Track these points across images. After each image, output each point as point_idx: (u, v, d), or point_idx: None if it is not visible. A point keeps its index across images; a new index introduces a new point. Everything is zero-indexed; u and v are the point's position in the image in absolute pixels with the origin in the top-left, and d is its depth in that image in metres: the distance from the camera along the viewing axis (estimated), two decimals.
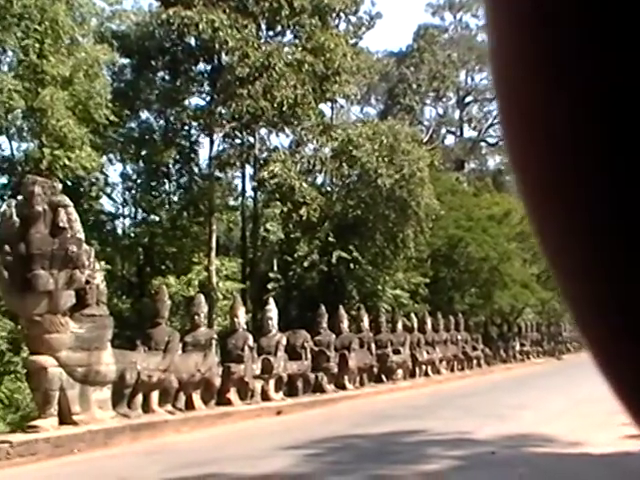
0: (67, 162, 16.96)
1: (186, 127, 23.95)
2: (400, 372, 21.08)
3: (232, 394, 14.12)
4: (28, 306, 10.66)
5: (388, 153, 21.96)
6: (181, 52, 22.18)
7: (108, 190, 24.41)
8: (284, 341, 16.24)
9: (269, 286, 21.81)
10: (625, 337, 0.30)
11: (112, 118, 18.56)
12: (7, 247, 10.57)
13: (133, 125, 23.79)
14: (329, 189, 24.11)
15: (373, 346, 20.05)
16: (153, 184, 24.37)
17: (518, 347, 33.40)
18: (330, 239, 22.11)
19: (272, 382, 15.32)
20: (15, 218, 10.68)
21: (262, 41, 22.13)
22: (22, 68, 17.16)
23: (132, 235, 24.41)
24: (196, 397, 13.39)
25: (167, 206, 24.69)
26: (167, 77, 23.38)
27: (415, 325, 23.16)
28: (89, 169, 18.14)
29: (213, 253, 21.77)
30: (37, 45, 16.77)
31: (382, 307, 22.70)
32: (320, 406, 15.58)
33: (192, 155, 24.39)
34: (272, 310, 16.57)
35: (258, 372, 15.00)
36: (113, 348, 11.80)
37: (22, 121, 18.34)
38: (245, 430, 12.35)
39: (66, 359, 10.79)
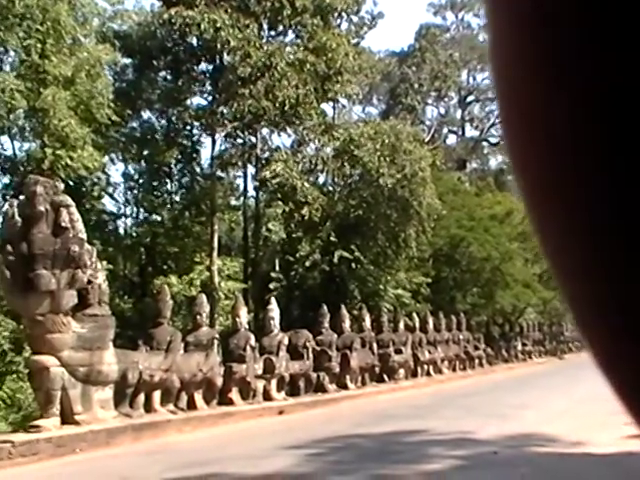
0: (69, 162, 16.98)
1: (188, 127, 23.98)
2: (402, 372, 21.08)
3: (234, 394, 14.13)
4: (30, 306, 10.67)
5: (390, 153, 21.96)
6: (183, 52, 22.20)
7: (110, 190, 24.49)
8: (286, 341, 16.24)
9: (271, 286, 21.81)
10: (625, 337, 0.30)
11: (114, 118, 18.59)
12: (9, 247, 10.58)
13: (135, 125, 23.84)
14: (331, 189, 24.11)
15: (375, 346, 20.05)
16: (155, 184, 24.40)
17: (520, 347, 33.39)
18: (332, 239, 22.11)
19: (274, 382, 15.32)
20: (17, 218, 10.69)
21: (264, 41, 22.14)
22: (24, 68, 17.18)
23: (134, 235, 24.43)
24: (198, 397, 13.40)
25: (169, 206, 24.71)
26: (169, 77, 23.41)
27: (417, 325, 23.15)
28: (91, 169, 18.17)
29: (215, 253, 21.79)
30: (39, 45, 16.79)
31: (384, 307, 22.70)
32: (322, 406, 15.58)
33: (194, 155, 24.41)
34: (274, 310, 16.57)
35: (260, 372, 15.01)
36: (115, 348, 11.80)
37: (24, 121, 18.37)
38: (247, 430, 12.35)
39: (68, 359, 10.80)
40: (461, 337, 25.92)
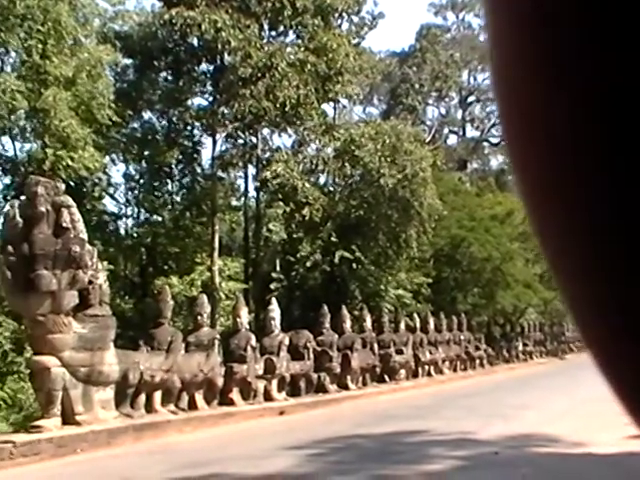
0: (70, 162, 16.99)
1: (189, 127, 23.99)
2: (403, 372, 21.07)
3: (235, 394, 14.13)
4: (31, 306, 10.67)
5: (391, 153, 21.97)
6: (184, 52, 22.21)
7: (111, 190, 24.52)
8: (287, 341, 16.24)
9: (272, 286, 21.82)
10: (625, 337, 0.30)
11: (115, 118, 18.59)
12: (10, 247, 10.59)
13: (136, 125, 23.85)
14: (332, 189, 24.12)
15: (376, 346, 20.04)
16: (156, 184, 24.41)
17: (521, 347, 33.37)
18: (333, 239, 22.11)
19: (275, 382, 15.32)
20: (18, 218, 10.70)
21: (264, 41, 22.15)
22: (25, 69, 17.19)
23: (135, 235, 24.44)
24: (199, 397, 13.40)
25: (170, 206, 24.72)
26: (170, 77, 23.42)
27: (418, 325, 23.14)
28: (92, 169, 18.18)
29: (216, 253, 21.80)
30: (40, 46, 16.80)
31: (385, 307, 22.70)
32: (323, 406, 15.58)
33: (195, 155, 24.42)
34: (275, 310, 16.57)
35: (261, 372, 15.01)
36: (116, 348, 11.81)
37: (25, 122, 18.37)
38: (248, 430, 12.35)
39: (69, 359, 10.80)
40: (462, 337, 25.91)
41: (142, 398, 12.15)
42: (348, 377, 17.96)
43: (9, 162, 19.77)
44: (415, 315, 23.62)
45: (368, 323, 20.21)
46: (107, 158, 21.95)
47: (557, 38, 0.29)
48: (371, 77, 28.96)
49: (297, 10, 21.76)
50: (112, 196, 24.66)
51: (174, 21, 20.44)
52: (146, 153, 23.34)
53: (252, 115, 21.22)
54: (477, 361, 27.10)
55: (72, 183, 17.15)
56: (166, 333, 13.37)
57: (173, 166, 24.29)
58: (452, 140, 48.88)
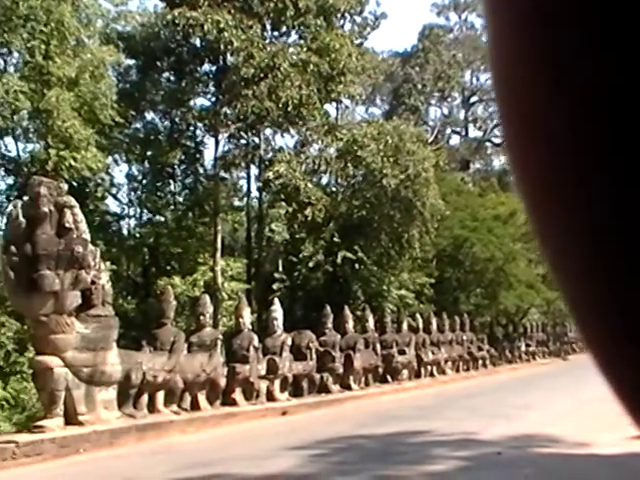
0: (73, 163, 17.01)
1: (191, 128, 24.01)
2: (405, 372, 21.05)
3: (237, 394, 14.13)
4: (34, 306, 10.68)
5: (393, 153, 21.96)
6: (186, 53, 22.21)
7: (114, 191, 24.56)
8: (289, 341, 16.23)
9: (274, 286, 21.82)
10: (625, 338, 0.30)
11: (117, 119, 18.62)
12: (13, 248, 10.60)
13: (138, 126, 23.87)
14: (334, 189, 24.13)
15: (378, 346, 20.02)
16: (158, 185, 24.43)
17: (524, 347, 33.32)
18: (335, 239, 22.11)
19: (277, 382, 15.32)
20: (21, 219, 10.71)
21: (267, 42, 22.16)
22: (28, 69, 17.22)
23: (137, 236, 24.46)
24: (201, 397, 13.41)
25: (172, 207, 24.75)
26: (172, 78, 23.43)
27: (420, 325, 23.13)
28: (95, 170, 18.20)
29: (218, 253, 21.81)
30: (43, 46, 16.83)
31: (387, 307, 22.69)
32: (325, 406, 15.58)
33: (197, 156, 24.45)
34: (277, 310, 16.56)
35: (263, 372, 15.00)
36: (119, 348, 11.81)
37: (28, 122, 18.41)
38: (250, 430, 12.35)
39: (72, 359, 10.81)
40: (464, 338, 25.88)
41: (145, 398, 12.15)
42: (351, 377, 17.95)
43: (12, 162, 19.82)
44: (418, 315, 23.60)
45: (370, 323, 20.20)
46: (110, 158, 21.98)
47: (557, 38, 0.29)
48: (373, 77, 28.98)
49: (299, 10, 21.77)
50: (115, 196, 24.73)
51: (177, 21, 20.45)
52: (149, 153, 23.36)
53: (254, 115, 21.23)
54: (480, 361, 27.06)
55: (75, 183, 17.18)
56: (169, 333, 13.38)
57: (176, 166, 24.32)
58: (455, 140, 48.91)
